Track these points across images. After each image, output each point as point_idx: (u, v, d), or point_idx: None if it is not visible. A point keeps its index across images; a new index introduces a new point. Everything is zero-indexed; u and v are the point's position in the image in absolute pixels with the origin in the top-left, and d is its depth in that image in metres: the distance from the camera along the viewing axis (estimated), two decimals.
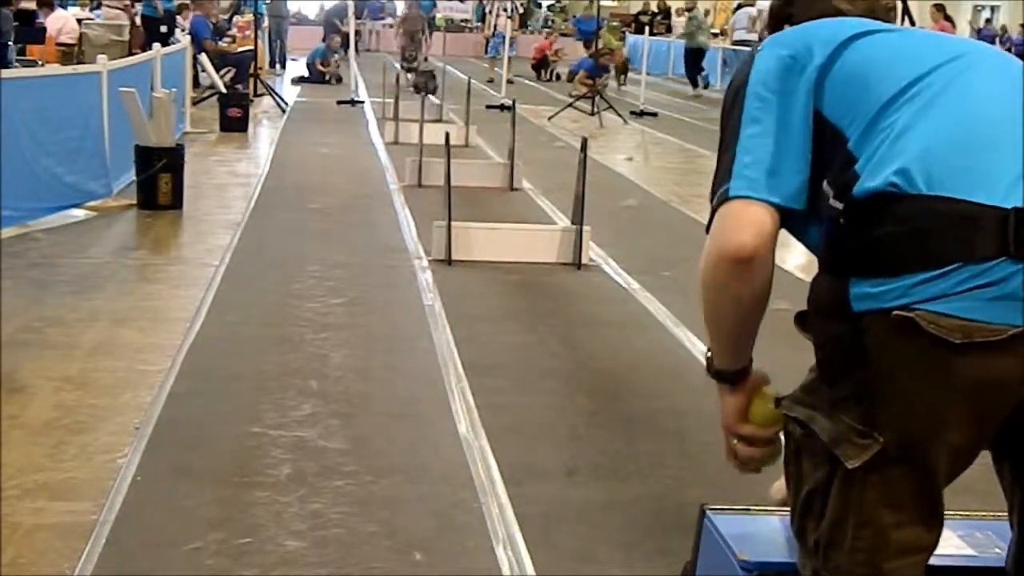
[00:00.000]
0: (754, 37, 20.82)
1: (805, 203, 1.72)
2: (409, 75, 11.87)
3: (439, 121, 12.46)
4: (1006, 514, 1.86)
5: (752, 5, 23.38)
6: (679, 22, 24.82)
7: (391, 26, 30.06)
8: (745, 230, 1.70)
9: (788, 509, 1.84)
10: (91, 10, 17.64)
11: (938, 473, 1.66)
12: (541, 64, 23.54)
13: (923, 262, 1.55)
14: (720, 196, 1.75)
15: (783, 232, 1.77)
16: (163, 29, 14.60)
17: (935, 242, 1.56)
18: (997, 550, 2.05)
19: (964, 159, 1.60)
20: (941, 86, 1.69)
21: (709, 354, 1.91)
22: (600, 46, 18.07)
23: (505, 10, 22.13)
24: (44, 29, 14.47)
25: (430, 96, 11.40)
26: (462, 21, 32.54)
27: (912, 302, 1.55)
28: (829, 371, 1.68)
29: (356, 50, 24.85)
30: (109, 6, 15.26)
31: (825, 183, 1.70)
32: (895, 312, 1.56)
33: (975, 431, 1.64)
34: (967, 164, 1.60)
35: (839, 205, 1.65)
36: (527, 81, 21.74)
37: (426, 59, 12.25)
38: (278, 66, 21.39)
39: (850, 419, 1.64)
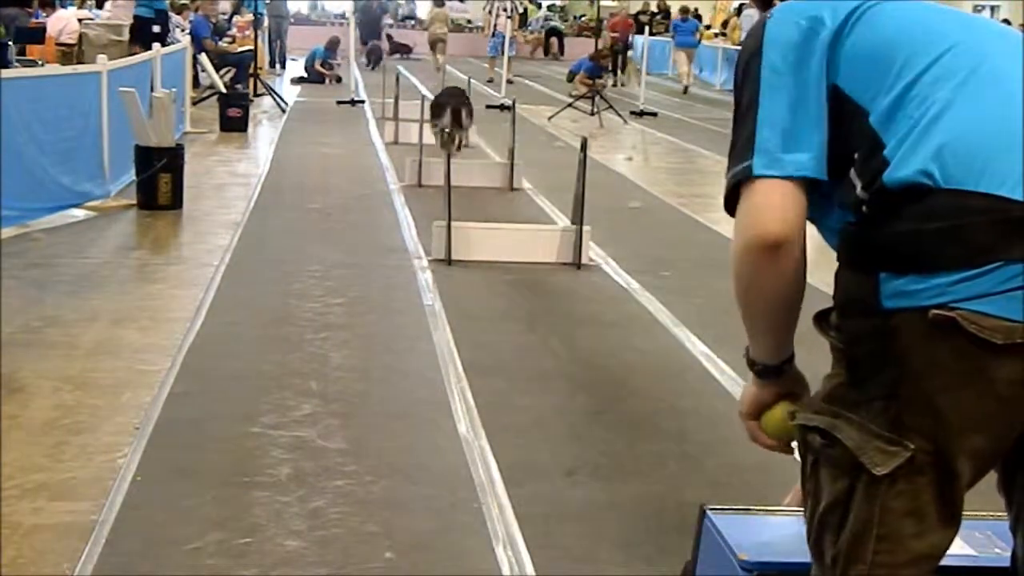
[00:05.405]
0: None
1: (826, 174, 1.64)
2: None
3: None
4: (1005, 514, 1.85)
5: None
6: None
7: (391, 25, 30.07)
8: (773, 213, 1.62)
9: (791, 509, 1.83)
10: (95, 7, 17.57)
11: (962, 478, 1.59)
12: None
13: (962, 260, 1.48)
14: (741, 172, 1.65)
15: None
16: (156, 29, 14.52)
17: (975, 239, 1.48)
18: (997, 550, 2.04)
19: (1001, 151, 1.53)
20: (970, 66, 1.60)
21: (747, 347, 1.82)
22: (600, 47, 18.07)
23: (505, 10, 22.10)
24: (44, 29, 14.46)
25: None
26: (466, 22, 32.51)
27: (951, 301, 1.48)
28: (857, 371, 1.58)
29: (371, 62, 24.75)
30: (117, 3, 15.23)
31: (852, 172, 1.62)
32: (933, 311, 1.49)
33: (1005, 436, 1.58)
34: (1005, 157, 1.53)
35: (865, 195, 1.58)
36: (527, 81, 21.73)
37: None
38: (278, 66, 21.40)
39: (877, 425, 1.56)
